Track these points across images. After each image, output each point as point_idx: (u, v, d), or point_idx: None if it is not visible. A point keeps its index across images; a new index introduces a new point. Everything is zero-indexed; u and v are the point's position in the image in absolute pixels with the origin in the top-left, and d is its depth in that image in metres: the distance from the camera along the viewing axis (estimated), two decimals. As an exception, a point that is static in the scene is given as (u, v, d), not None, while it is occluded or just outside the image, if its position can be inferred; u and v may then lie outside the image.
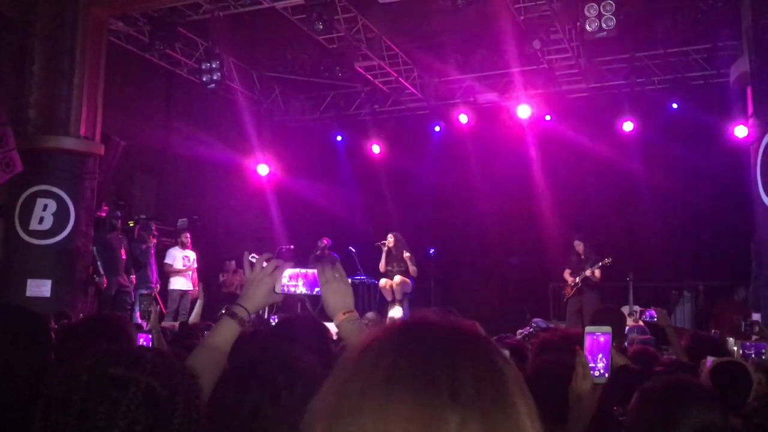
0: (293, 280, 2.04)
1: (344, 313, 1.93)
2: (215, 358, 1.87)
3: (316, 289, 2.00)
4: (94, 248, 9.23)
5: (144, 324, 8.90)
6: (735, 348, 4.02)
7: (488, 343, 0.89)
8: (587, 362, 2.10)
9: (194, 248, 10.98)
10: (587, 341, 2.15)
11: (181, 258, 10.72)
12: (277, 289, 2.02)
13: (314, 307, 9.90)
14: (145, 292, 9.84)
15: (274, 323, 7.32)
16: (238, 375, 1.67)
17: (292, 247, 11.44)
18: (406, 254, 10.50)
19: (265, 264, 2.02)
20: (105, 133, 9.37)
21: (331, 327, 2.32)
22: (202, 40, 11.23)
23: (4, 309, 2.27)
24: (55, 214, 8.57)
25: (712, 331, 7.31)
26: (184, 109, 12.91)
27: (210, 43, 11.10)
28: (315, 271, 2.02)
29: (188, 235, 10.90)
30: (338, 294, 1.95)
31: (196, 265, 10.90)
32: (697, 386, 2.15)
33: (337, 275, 1.97)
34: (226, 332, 1.95)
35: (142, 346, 2.71)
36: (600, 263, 10.18)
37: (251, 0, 9.59)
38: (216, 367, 1.81)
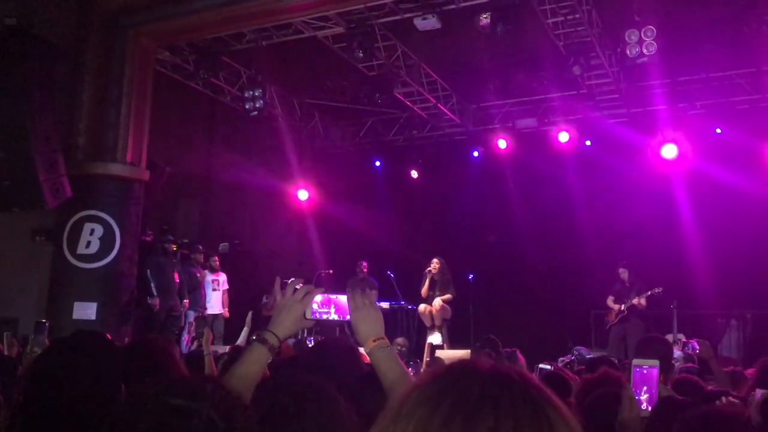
0: (324, 306, 2.05)
1: (374, 340, 1.93)
2: (246, 385, 1.84)
3: (347, 316, 2.01)
4: (147, 271, 9.41)
5: (186, 346, 9.04)
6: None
7: (532, 387, 0.84)
8: (634, 395, 2.07)
9: (227, 271, 11.20)
10: (634, 374, 2.13)
11: (211, 281, 10.92)
12: (308, 315, 2.01)
13: (352, 331, 9.92)
14: (197, 314, 10.05)
15: (310, 345, 7.33)
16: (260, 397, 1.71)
17: (330, 271, 11.50)
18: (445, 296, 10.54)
19: (296, 288, 2.02)
20: (150, 159, 9.60)
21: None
22: (245, 69, 11.48)
23: (81, 334, 2.29)
24: (101, 239, 8.77)
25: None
26: (226, 136, 13.18)
27: (253, 72, 11.35)
28: (345, 297, 2.02)
29: (217, 259, 11.10)
30: (368, 321, 1.95)
31: (226, 287, 11.08)
32: (735, 417, 2.07)
33: (367, 302, 1.97)
34: (256, 358, 1.93)
35: (202, 375, 2.71)
36: (649, 292, 9.99)
37: (293, 29, 9.78)
38: (246, 393, 1.80)
